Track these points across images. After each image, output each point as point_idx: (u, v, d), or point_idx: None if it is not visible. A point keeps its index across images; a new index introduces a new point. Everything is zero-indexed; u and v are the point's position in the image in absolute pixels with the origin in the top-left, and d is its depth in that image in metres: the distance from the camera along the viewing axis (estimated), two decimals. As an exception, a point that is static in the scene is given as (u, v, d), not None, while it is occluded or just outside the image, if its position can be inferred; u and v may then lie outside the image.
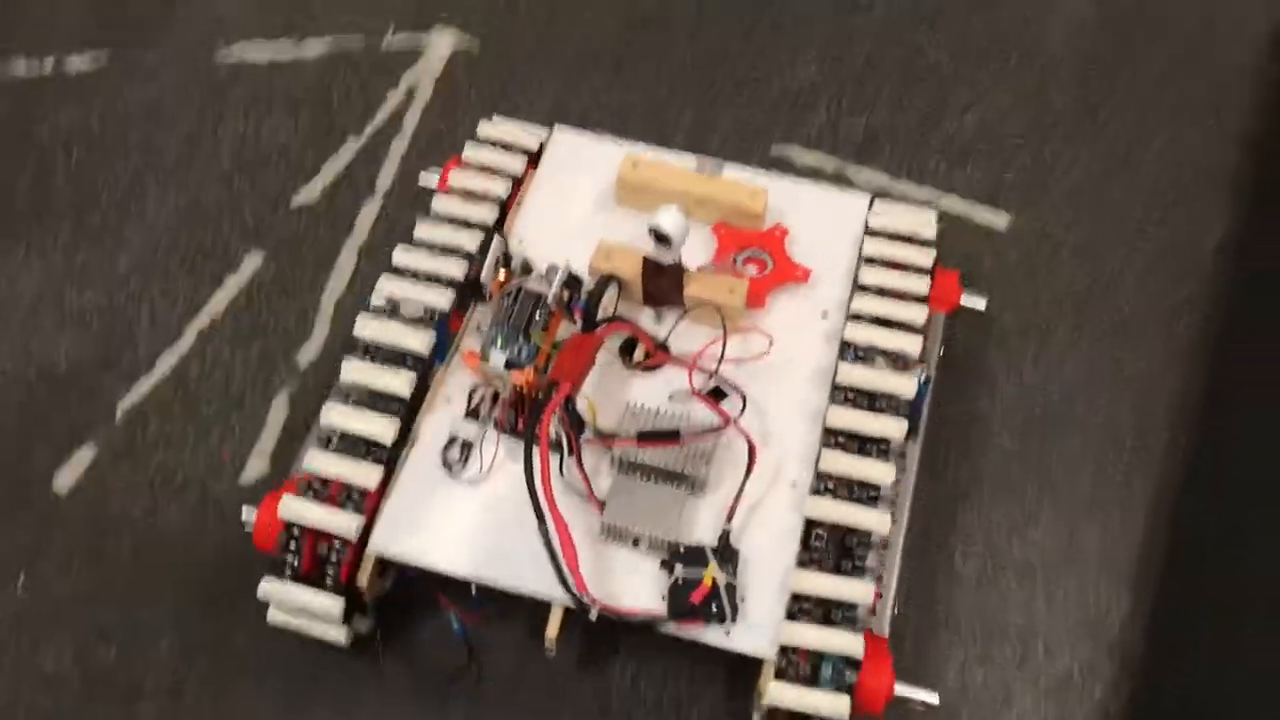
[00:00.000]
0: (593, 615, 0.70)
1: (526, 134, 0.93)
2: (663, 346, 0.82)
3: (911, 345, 0.80)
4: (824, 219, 0.90)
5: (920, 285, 0.84)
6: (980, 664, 0.83)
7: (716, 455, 0.76)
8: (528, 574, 0.73)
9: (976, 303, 0.90)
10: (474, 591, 0.74)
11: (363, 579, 0.74)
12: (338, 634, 0.75)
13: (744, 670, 0.74)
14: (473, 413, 0.80)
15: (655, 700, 0.80)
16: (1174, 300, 0.99)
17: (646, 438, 0.76)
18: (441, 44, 1.06)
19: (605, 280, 0.81)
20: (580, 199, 0.91)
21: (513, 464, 0.76)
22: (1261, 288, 0.99)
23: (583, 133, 0.95)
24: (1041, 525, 0.88)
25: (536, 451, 0.70)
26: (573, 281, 0.81)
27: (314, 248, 0.99)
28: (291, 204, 0.99)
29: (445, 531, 0.75)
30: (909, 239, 0.88)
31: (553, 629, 0.73)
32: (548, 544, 0.70)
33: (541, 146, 0.93)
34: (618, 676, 0.81)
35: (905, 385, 0.78)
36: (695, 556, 0.72)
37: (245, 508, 0.76)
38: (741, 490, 0.75)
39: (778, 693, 0.70)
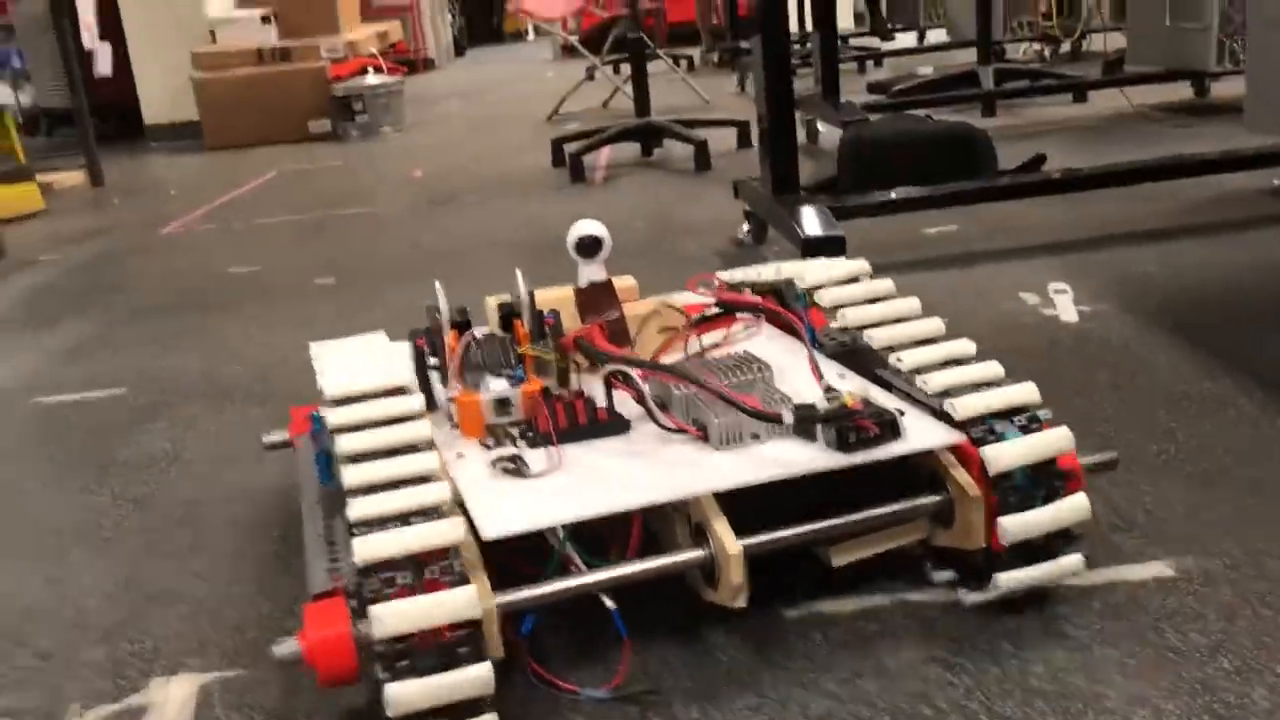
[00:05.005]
0: (787, 418, 0.71)
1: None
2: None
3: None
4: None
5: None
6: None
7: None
8: (669, 482, 0.70)
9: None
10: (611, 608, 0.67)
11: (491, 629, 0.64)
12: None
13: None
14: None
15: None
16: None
17: (704, 319, 0.84)
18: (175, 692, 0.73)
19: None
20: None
21: (575, 451, 0.74)
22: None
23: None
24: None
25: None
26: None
27: None
28: None
29: (548, 494, 0.70)
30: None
31: (730, 542, 0.67)
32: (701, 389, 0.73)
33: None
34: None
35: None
36: (820, 401, 0.73)
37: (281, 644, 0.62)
38: (811, 348, 0.79)
39: (999, 453, 0.70)
